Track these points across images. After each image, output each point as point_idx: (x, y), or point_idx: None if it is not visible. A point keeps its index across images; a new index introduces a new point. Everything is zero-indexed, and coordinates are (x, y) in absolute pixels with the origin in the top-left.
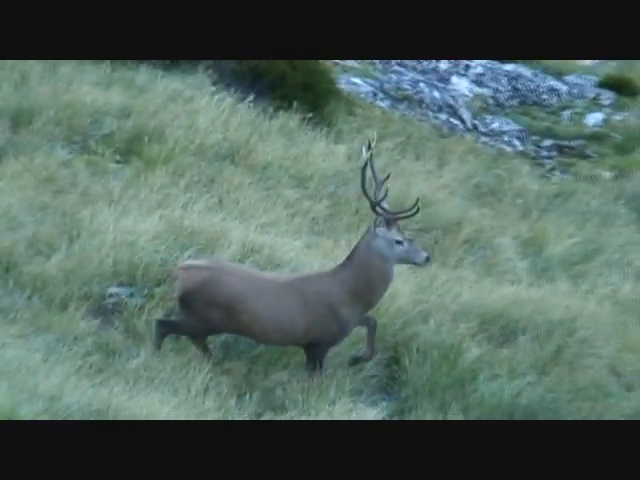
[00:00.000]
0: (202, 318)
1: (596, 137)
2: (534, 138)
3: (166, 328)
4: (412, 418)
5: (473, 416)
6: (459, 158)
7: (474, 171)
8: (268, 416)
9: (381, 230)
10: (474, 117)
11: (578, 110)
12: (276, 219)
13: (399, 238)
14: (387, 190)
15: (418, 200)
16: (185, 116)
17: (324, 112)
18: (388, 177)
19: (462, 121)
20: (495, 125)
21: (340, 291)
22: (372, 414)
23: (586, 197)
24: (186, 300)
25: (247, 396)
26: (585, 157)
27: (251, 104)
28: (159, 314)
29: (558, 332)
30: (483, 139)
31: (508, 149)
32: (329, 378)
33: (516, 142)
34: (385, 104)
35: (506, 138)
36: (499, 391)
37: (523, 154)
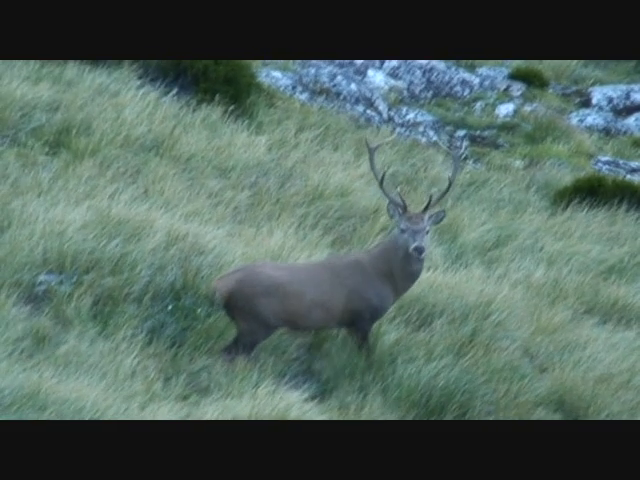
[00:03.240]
0: (253, 317)
1: (507, 127)
2: (448, 129)
3: (232, 351)
4: (333, 400)
5: (392, 397)
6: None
7: (390, 161)
8: (193, 399)
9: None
10: (390, 109)
11: (490, 101)
12: (200, 208)
13: (403, 227)
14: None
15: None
16: (111, 109)
17: (245, 105)
18: None
19: (378, 113)
20: (410, 116)
21: (370, 264)
22: (294, 396)
23: (498, 185)
24: (231, 306)
25: (173, 379)
26: (497, 147)
27: (175, 98)
28: (87, 301)
29: (473, 316)
30: (399, 130)
31: (423, 139)
32: (252, 361)
33: (430, 133)
34: (304, 97)
35: (421, 129)
36: (417, 373)
37: (437, 144)
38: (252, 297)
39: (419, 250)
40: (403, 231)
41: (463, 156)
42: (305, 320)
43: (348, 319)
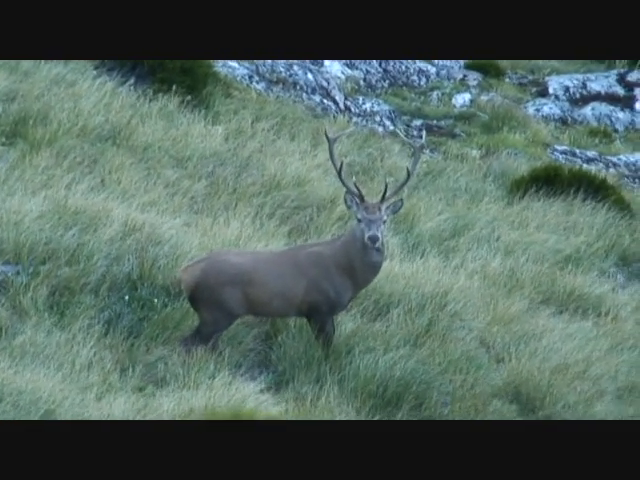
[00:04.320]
0: (218, 306)
1: (464, 117)
2: (404, 118)
3: (191, 341)
4: (289, 391)
5: (348, 388)
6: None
7: (347, 150)
8: (150, 390)
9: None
10: (346, 98)
11: (446, 91)
12: (156, 198)
13: (359, 216)
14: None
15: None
16: (68, 99)
17: (202, 95)
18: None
19: (335, 102)
20: (367, 106)
21: (330, 257)
22: (250, 387)
23: (455, 175)
24: (195, 296)
25: (130, 370)
26: (454, 136)
27: (132, 88)
28: (44, 291)
29: (430, 306)
30: (355, 119)
31: (379, 129)
32: (209, 352)
33: (387, 122)
34: (260, 86)
35: (377, 118)
36: (373, 363)
37: (394, 134)
38: (217, 286)
39: (373, 239)
40: (360, 221)
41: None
42: (266, 308)
43: (306, 310)
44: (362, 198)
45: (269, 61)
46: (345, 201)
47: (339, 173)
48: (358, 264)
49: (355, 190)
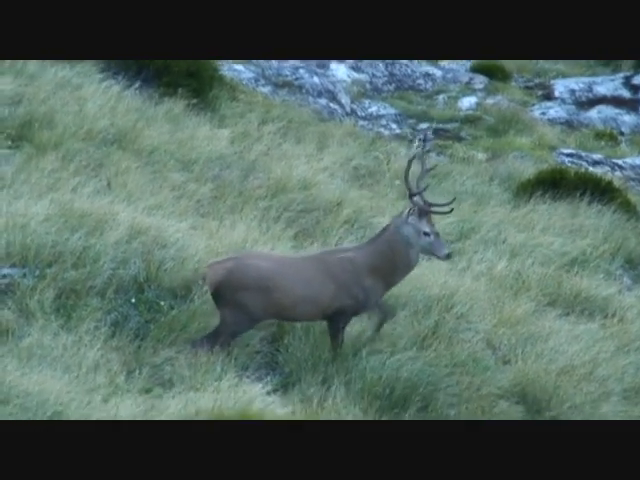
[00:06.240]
0: (239, 308)
1: (470, 120)
2: (410, 121)
3: (212, 340)
4: (296, 392)
5: (355, 390)
6: (338, 141)
7: (353, 154)
8: (156, 392)
9: (413, 219)
10: (352, 102)
11: (452, 94)
12: (162, 201)
13: (427, 230)
14: (427, 184)
15: (454, 199)
16: (74, 103)
17: (208, 98)
18: (433, 168)
19: (341, 106)
20: (373, 109)
21: (363, 262)
22: (257, 389)
23: (461, 178)
24: (218, 294)
25: (136, 372)
26: (460, 139)
27: (137, 91)
28: (50, 294)
29: (436, 308)
30: (361, 123)
31: (385, 132)
32: (216, 354)
33: (393, 125)
34: (267, 90)
35: (383, 122)
36: (380, 365)
37: (400, 137)
38: (240, 289)
39: (450, 255)
40: (427, 234)
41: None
42: (291, 313)
43: (331, 313)
44: (427, 212)
45: (275, 64)
46: (409, 210)
47: (412, 194)
48: (401, 265)
49: (422, 204)
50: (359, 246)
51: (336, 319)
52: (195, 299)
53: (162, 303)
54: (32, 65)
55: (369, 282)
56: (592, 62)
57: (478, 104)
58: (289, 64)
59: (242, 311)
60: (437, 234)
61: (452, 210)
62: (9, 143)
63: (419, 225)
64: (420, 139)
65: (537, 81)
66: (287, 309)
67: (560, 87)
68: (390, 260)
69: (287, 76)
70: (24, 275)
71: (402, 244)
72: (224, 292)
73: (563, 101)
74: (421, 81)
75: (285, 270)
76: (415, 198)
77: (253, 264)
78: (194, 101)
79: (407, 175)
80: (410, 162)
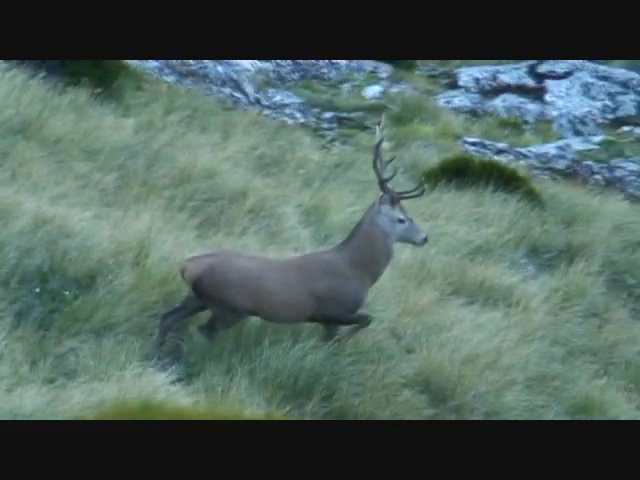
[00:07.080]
0: (221, 304)
1: (374, 109)
2: (315, 110)
3: (209, 330)
4: (200, 382)
5: (259, 379)
6: (243, 130)
7: (257, 143)
8: (60, 382)
9: (385, 207)
10: (257, 91)
11: (357, 83)
12: (67, 191)
13: (401, 217)
14: (395, 170)
15: (423, 183)
16: None
17: (113, 87)
18: (393, 159)
19: (245, 95)
20: (277, 98)
21: (345, 263)
22: (161, 378)
23: (366, 167)
24: (199, 288)
25: (41, 362)
26: (364, 128)
27: (42, 80)
28: None
29: None
30: (266, 112)
31: (290, 121)
32: (120, 344)
33: (297, 114)
34: (171, 79)
35: (288, 111)
36: (284, 355)
37: (304, 126)
38: (221, 286)
39: (426, 240)
40: (401, 221)
41: (330, 138)
42: (273, 315)
43: (322, 319)
44: (399, 199)
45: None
46: (380, 199)
47: (383, 181)
48: (381, 257)
49: (394, 193)
50: (337, 247)
51: (334, 323)
52: (99, 289)
53: (66, 293)
54: None
55: (355, 280)
56: None
57: (383, 93)
58: None
59: (224, 306)
60: (411, 220)
61: (423, 192)
62: None
63: (392, 213)
64: (378, 126)
65: (442, 70)
66: (269, 312)
67: (465, 76)
68: (370, 253)
69: (191, 65)
70: None
71: (379, 235)
72: (205, 287)
73: (467, 90)
74: (325, 70)
75: (268, 273)
76: (388, 185)
77: (237, 263)
78: (98, 90)
79: (376, 162)
80: (377, 149)
